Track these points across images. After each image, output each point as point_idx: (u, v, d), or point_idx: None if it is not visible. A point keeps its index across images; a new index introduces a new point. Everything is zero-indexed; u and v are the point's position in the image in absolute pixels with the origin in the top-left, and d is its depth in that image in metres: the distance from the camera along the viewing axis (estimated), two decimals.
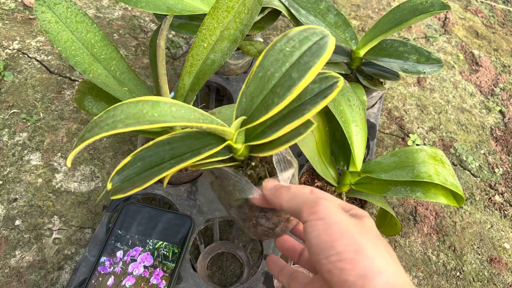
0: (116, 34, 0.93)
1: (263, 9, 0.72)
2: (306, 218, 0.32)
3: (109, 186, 0.38)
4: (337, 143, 0.62)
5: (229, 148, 0.41)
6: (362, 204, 0.62)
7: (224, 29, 0.60)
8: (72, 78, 0.83)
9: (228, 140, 0.39)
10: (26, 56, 0.85)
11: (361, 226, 0.32)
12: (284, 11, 0.71)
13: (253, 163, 0.44)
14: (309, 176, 0.65)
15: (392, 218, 0.60)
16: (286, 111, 0.39)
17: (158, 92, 0.60)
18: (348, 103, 0.59)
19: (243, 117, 0.39)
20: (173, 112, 0.36)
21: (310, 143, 0.59)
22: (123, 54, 0.90)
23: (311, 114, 0.37)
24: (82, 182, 0.70)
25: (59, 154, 0.72)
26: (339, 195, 0.62)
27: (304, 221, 0.32)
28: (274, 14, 0.75)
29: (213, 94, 0.80)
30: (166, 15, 0.73)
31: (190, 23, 0.73)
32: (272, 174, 0.42)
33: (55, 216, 0.66)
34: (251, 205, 0.41)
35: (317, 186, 0.64)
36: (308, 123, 0.39)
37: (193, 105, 0.83)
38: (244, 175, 0.41)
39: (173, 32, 0.96)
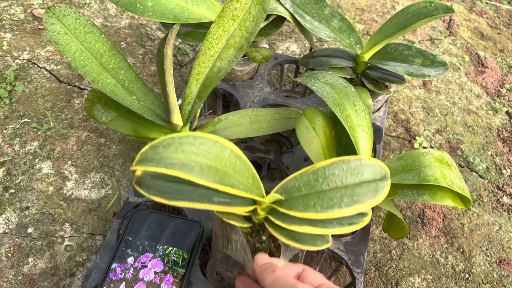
0: (124, 43, 0.94)
1: (268, 15, 0.73)
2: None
3: (137, 171, 0.37)
4: (343, 148, 0.63)
5: (252, 210, 0.45)
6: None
7: (230, 37, 0.61)
8: (81, 87, 0.85)
9: (257, 205, 0.43)
10: (36, 66, 0.87)
11: None
12: (289, 18, 0.71)
13: (263, 237, 0.49)
14: None
15: (399, 222, 0.61)
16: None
17: (166, 100, 0.61)
18: (353, 107, 0.60)
19: (281, 198, 0.43)
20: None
21: (317, 148, 0.60)
22: (131, 62, 0.91)
23: (335, 231, 0.42)
24: (93, 189, 0.71)
25: (69, 162, 0.73)
26: None
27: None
28: (279, 20, 0.76)
29: (220, 100, 0.81)
30: (173, 23, 0.74)
31: (197, 31, 0.74)
32: (274, 252, 0.48)
33: (66, 224, 0.67)
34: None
35: None
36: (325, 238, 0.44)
37: (200, 112, 0.84)
38: (252, 243, 0.47)
39: (180, 40, 0.98)
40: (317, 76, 0.63)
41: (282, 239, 0.43)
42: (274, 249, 0.49)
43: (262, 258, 0.42)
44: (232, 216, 0.45)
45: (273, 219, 0.44)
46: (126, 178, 0.72)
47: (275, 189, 0.45)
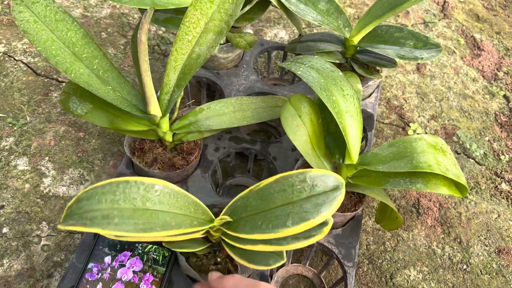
0: (105, 33, 0.91)
1: None
2: None
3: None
4: (331, 136, 0.59)
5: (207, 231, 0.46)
6: (360, 198, 0.59)
7: (208, 20, 0.58)
8: (59, 79, 0.81)
9: (209, 228, 0.45)
10: (12, 59, 0.83)
11: None
12: (273, 0, 0.68)
13: (218, 258, 0.50)
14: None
15: (392, 212, 0.57)
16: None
17: (143, 90, 0.57)
18: (341, 93, 0.56)
19: (229, 219, 0.44)
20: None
21: (303, 137, 0.56)
22: (112, 52, 0.87)
23: (290, 247, 0.42)
24: (71, 186, 0.67)
25: (47, 158, 0.70)
26: None
27: None
28: (264, 3, 0.73)
29: (204, 90, 0.77)
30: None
31: (177, 17, 0.70)
32: (232, 271, 0.49)
33: (43, 222, 0.64)
34: None
35: None
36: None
37: (181, 102, 0.80)
38: (208, 264, 0.49)
39: (163, 29, 0.94)
40: (302, 61, 0.60)
41: (237, 259, 0.44)
42: (232, 268, 0.49)
43: (216, 273, 0.45)
44: (182, 244, 0.46)
45: (226, 240, 0.44)
46: (106, 173, 0.69)
47: (225, 209, 0.45)
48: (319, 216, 0.40)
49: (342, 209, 0.58)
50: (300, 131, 0.56)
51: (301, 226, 0.40)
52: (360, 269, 0.65)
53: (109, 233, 0.38)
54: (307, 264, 0.63)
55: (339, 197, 0.41)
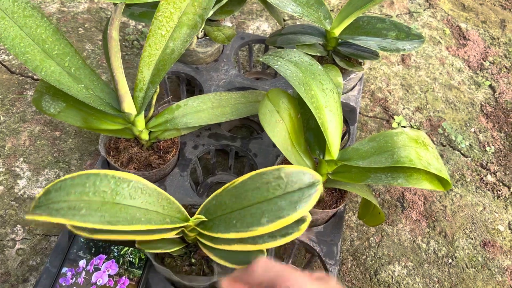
0: (82, 28, 0.88)
1: None
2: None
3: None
4: (312, 131, 0.58)
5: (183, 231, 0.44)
6: (342, 194, 0.58)
7: (182, 14, 0.56)
8: (35, 77, 0.79)
9: (184, 228, 0.43)
10: None
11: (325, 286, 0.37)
12: None
13: (193, 260, 0.48)
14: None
15: (375, 208, 0.56)
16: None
17: (116, 87, 0.55)
18: (320, 87, 0.55)
19: (204, 219, 0.43)
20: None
21: (282, 133, 0.55)
22: (90, 48, 0.85)
23: (266, 245, 0.41)
24: None
25: (21, 159, 0.68)
26: None
27: None
28: None
29: (183, 85, 0.75)
30: (126, 4, 0.68)
31: (152, 11, 0.68)
32: (207, 274, 0.48)
33: (18, 226, 0.62)
34: None
35: None
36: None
37: (160, 97, 0.78)
38: (183, 265, 0.48)
39: (143, 23, 0.92)
40: (281, 54, 0.58)
41: (214, 259, 0.43)
42: (208, 270, 0.48)
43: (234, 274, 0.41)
44: (156, 244, 0.45)
45: (202, 240, 0.43)
46: None
47: (199, 209, 0.44)
48: (295, 214, 0.39)
49: (324, 205, 0.57)
50: (278, 127, 0.55)
51: (277, 224, 0.39)
52: (344, 266, 0.64)
53: (74, 223, 0.36)
54: (290, 262, 0.62)
55: (316, 194, 0.40)
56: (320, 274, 0.40)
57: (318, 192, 0.40)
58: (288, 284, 0.36)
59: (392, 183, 0.52)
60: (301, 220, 0.42)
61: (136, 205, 0.40)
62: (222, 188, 0.44)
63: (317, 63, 0.57)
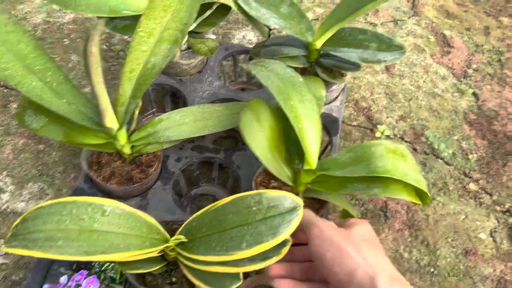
0: (67, 39, 0.88)
1: (211, 3, 0.67)
2: (308, 236, 0.42)
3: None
4: (292, 142, 0.58)
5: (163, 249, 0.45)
6: (321, 204, 0.58)
7: (163, 29, 0.56)
8: None
9: (165, 247, 0.43)
10: None
11: (347, 235, 0.41)
12: (233, 6, 0.66)
13: (173, 278, 0.48)
14: (266, 176, 0.62)
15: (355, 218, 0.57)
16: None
17: (97, 102, 0.56)
18: (300, 98, 0.55)
19: (184, 239, 0.43)
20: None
21: (262, 142, 0.55)
22: (75, 60, 0.85)
23: (246, 269, 0.42)
24: (30, 201, 0.66)
25: (5, 172, 0.68)
26: (296, 195, 0.58)
27: (308, 238, 0.42)
28: (225, 8, 0.71)
29: (168, 97, 0.76)
30: (110, 17, 0.69)
31: (136, 24, 0.68)
32: None
33: (1, 240, 0.62)
34: None
35: (273, 187, 0.60)
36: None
37: (145, 109, 0.78)
38: (163, 284, 0.48)
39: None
40: (264, 64, 0.59)
41: (192, 279, 0.43)
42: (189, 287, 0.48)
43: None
44: (136, 264, 0.45)
45: (182, 260, 0.43)
46: (67, 187, 0.67)
47: (180, 229, 0.45)
48: (274, 239, 0.39)
49: None
50: (258, 136, 0.55)
51: (256, 249, 0.39)
52: None
53: (50, 256, 0.37)
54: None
55: (296, 219, 0.40)
56: (351, 221, 0.45)
57: (299, 217, 0.40)
58: (312, 231, 0.42)
59: (369, 193, 0.52)
60: (282, 244, 0.43)
61: (115, 230, 0.41)
62: (203, 210, 0.44)
63: (298, 75, 0.57)
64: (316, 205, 0.58)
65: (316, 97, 0.60)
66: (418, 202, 0.52)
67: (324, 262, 0.39)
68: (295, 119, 0.52)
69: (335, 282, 0.39)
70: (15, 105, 0.76)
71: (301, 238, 0.46)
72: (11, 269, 0.60)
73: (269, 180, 0.62)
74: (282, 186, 0.60)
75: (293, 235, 0.41)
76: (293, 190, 0.58)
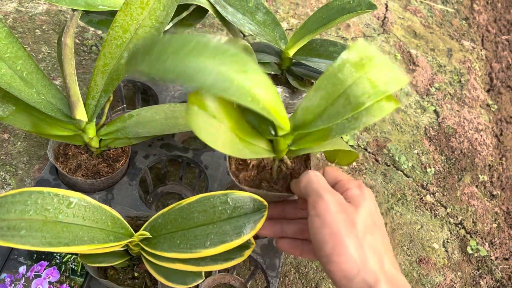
0: (39, 30, 0.87)
1: (188, 5, 0.68)
2: (309, 211, 0.39)
3: None
4: (251, 114, 0.46)
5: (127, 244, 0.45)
6: (308, 155, 0.52)
7: (139, 26, 0.57)
8: None
9: (129, 242, 0.44)
10: None
11: (351, 221, 0.37)
12: (209, 8, 0.68)
13: (136, 273, 0.49)
14: (237, 159, 0.53)
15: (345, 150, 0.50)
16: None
17: (68, 93, 0.56)
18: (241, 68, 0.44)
19: (148, 235, 0.43)
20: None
21: (222, 136, 0.41)
22: (46, 51, 0.84)
23: (208, 268, 0.43)
24: None
25: None
26: (281, 161, 0.51)
27: (308, 212, 0.39)
28: (202, 10, 0.72)
29: (139, 94, 0.76)
30: (85, 11, 0.68)
31: (111, 19, 0.68)
32: (150, 287, 0.48)
33: None
34: None
35: (253, 166, 0.54)
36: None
37: (115, 105, 0.78)
38: (125, 278, 0.49)
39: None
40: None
41: (154, 275, 0.43)
42: (150, 283, 0.48)
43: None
44: (98, 258, 0.45)
45: (146, 256, 0.43)
46: (30, 178, 0.66)
47: (145, 225, 0.45)
48: (239, 239, 0.40)
49: (286, 180, 0.51)
50: (213, 129, 0.42)
51: (219, 248, 0.40)
52: (287, 278, 0.66)
53: (12, 245, 0.37)
54: (234, 273, 0.64)
55: (261, 220, 0.41)
56: (356, 197, 0.40)
57: (263, 217, 0.41)
58: (314, 205, 0.39)
59: (358, 126, 0.43)
60: (244, 247, 0.44)
61: (79, 223, 0.41)
62: (169, 207, 0.45)
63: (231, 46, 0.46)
64: (302, 157, 0.53)
65: None
66: (398, 104, 0.43)
67: (321, 252, 0.37)
68: (243, 95, 0.39)
69: (332, 276, 0.37)
70: None
71: (303, 206, 0.45)
72: None
73: (244, 160, 0.54)
74: (262, 160, 0.53)
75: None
76: (276, 158, 0.51)
